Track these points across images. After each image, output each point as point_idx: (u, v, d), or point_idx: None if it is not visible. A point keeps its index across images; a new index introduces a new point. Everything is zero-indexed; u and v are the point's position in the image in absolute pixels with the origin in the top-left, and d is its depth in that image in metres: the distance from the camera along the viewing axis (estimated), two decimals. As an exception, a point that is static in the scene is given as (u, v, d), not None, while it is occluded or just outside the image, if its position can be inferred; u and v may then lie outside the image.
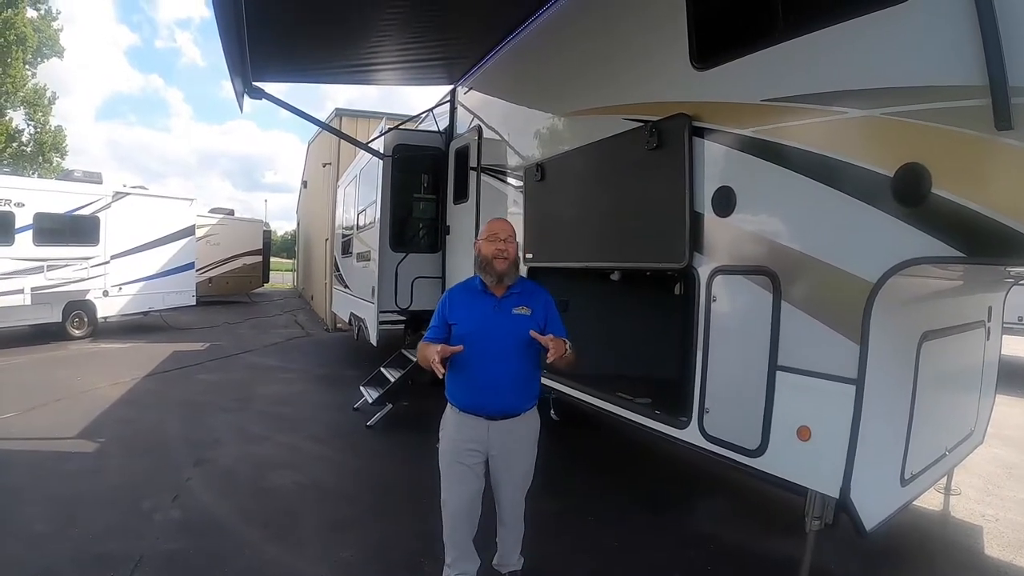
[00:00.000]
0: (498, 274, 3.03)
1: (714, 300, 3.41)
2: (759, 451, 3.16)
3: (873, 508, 2.93)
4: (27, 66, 25.94)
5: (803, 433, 2.95)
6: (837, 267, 2.79)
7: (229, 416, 7.28)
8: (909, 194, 2.49)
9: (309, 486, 5.08)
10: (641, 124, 3.90)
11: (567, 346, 2.94)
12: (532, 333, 2.91)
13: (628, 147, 4.03)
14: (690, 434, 3.59)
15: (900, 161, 2.52)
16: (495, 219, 3.32)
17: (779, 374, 3.05)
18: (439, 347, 2.84)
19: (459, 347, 2.89)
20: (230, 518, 4.42)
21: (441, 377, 2.88)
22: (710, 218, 3.44)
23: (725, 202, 3.33)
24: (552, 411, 5.49)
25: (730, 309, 3.38)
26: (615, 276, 5.19)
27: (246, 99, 6.59)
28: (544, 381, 5.04)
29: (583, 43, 4.79)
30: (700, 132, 3.49)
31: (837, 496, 2.83)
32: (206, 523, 4.33)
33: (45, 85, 27.50)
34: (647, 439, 4.14)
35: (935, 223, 2.42)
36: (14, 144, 26.15)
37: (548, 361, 2.88)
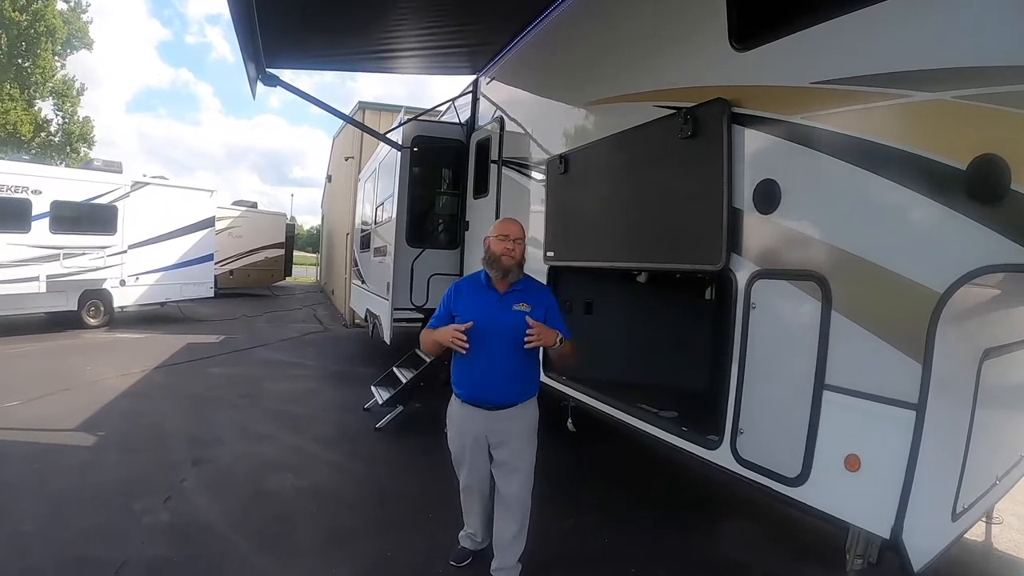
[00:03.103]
0: (503, 269, 3.19)
1: (753, 307, 3.05)
2: (799, 480, 2.81)
3: (923, 547, 2.57)
4: (56, 57, 26.36)
5: (851, 463, 2.61)
6: (898, 274, 2.44)
7: (235, 413, 7.04)
8: (984, 190, 2.17)
9: (309, 492, 4.78)
10: (674, 111, 3.56)
11: (557, 338, 3.11)
12: (528, 319, 3.07)
13: (659, 136, 3.68)
14: (721, 456, 3.24)
15: (974, 152, 2.20)
16: (507, 219, 3.47)
17: (826, 394, 2.70)
18: (451, 326, 3.09)
19: (470, 323, 3.06)
20: (221, 524, 4.15)
21: (465, 351, 3.06)
22: (751, 215, 3.08)
23: (768, 197, 2.97)
24: (569, 420, 5.17)
25: (772, 318, 3.01)
26: (642, 278, 4.87)
27: (259, 86, 6.35)
28: (561, 388, 4.77)
29: (611, 27, 4.45)
30: (740, 119, 3.14)
31: (888, 536, 2.49)
32: (196, 528, 4.08)
33: (74, 76, 27.95)
34: (671, 454, 3.80)
35: (1014, 224, 2.09)
36: (42, 134, 26.50)
37: (527, 343, 3.03)
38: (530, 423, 3.34)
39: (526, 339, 3.01)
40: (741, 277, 3.12)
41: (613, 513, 4.68)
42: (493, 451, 3.30)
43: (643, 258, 4.05)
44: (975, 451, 2.90)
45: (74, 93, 27.69)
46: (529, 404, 3.33)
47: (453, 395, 3.37)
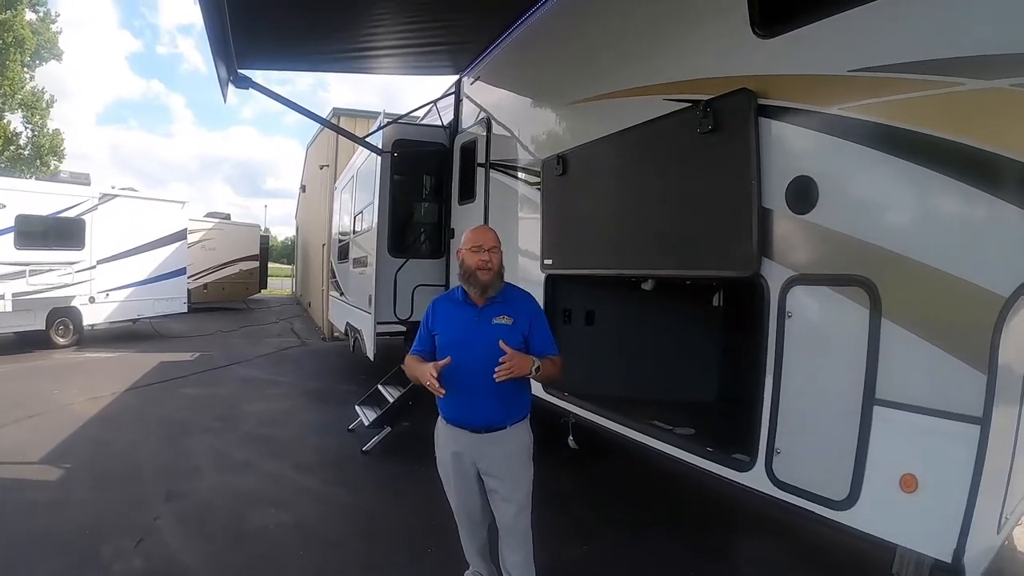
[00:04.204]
0: (482, 285, 2.94)
1: (789, 316, 2.77)
2: (847, 503, 2.56)
3: (976, 564, 2.35)
4: (25, 68, 25.70)
5: (907, 483, 2.37)
6: (957, 276, 2.21)
7: (210, 438, 6.62)
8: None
9: (293, 528, 4.40)
10: (689, 104, 3.28)
11: (533, 367, 2.82)
12: (501, 344, 2.79)
13: (673, 131, 3.40)
14: (754, 478, 2.96)
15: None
16: (479, 227, 3.24)
17: (877, 409, 2.45)
18: (430, 365, 2.81)
19: (448, 359, 2.82)
20: (199, 569, 3.78)
21: (442, 396, 2.85)
22: (783, 216, 2.81)
23: (803, 196, 2.71)
24: (570, 437, 4.87)
25: (812, 328, 2.74)
26: (647, 285, 4.58)
27: (231, 88, 6.00)
28: (561, 404, 4.47)
29: (613, 17, 4.17)
30: (767, 111, 2.88)
31: (950, 560, 2.26)
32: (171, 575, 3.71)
33: (43, 88, 27.28)
34: (685, 471, 3.51)
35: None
36: (11, 147, 25.85)
37: (496, 375, 2.73)
38: (522, 448, 3.05)
39: (496, 373, 2.73)
40: (774, 283, 2.85)
41: (625, 535, 4.41)
42: (484, 478, 3.04)
43: (656, 264, 3.74)
44: (1018, 458, 2.66)
45: (43, 105, 27.00)
46: (520, 427, 3.04)
47: (439, 417, 3.12)
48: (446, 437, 3.07)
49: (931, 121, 2.28)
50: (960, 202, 2.23)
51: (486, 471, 3.00)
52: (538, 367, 2.83)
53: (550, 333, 3.08)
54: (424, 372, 2.80)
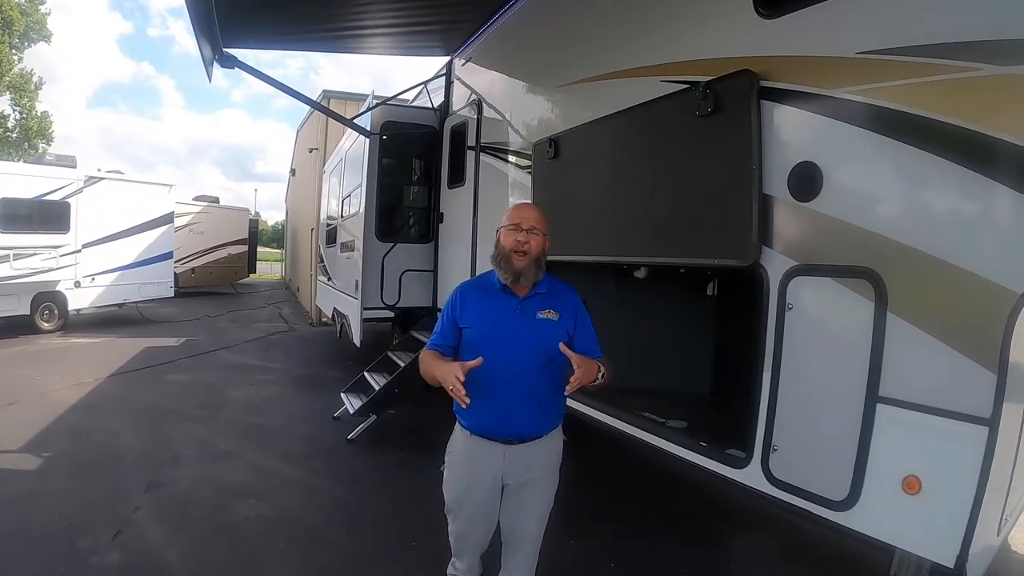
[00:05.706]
0: (515, 272, 2.48)
1: (790, 308, 2.67)
2: (847, 503, 2.47)
3: (976, 568, 2.27)
4: (13, 51, 25.49)
5: (910, 485, 2.28)
6: (968, 271, 2.12)
7: (194, 426, 6.49)
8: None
9: (277, 522, 4.28)
10: (687, 86, 3.16)
11: (600, 372, 2.40)
12: (562, 347, 2.34)
13: (671, 113, 3.28)
14: (749, 476, 2.87)
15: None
16: (523, 204, 2.89)
17: (880, 408, 2.35)
18: (456, 365, 2.30)
19: (479, 360, 2.30)
20: (178, 565, 3.66)
21: (465, 407, 2.31)
22: (785, 203, 2.70)
23: (807, 182, 2.59)
24: (559, 428, 4.77)
25: (813, 320, 2.64)
26: (640, 273, 4.46)
27: (216, 67, 5.83)
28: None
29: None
30: (770, 94, 2.76)
31: (952, 565, 2.18)
32: (149, 571, 3.58)
33: (32, 70, 27.10)
34: (680, 466, 3.41)
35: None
36: (-1, 130, 25.59)
37: (569, 389, 2.30)
38: (555, 457, 2.66)
39: (568, 389, 2.30)
40: (774, 274, 2.74)
41: (623, 533, 4.33)
42: (508, 494, 2.59)
43: (651, 252, 3.61)
44: (1021, 458, 2.57)
45: (32, 87, 26.83)
46: (555, 433, 2.64)
47: (457, 427, 2.64)
48: (471, 456, 2.58)
49: (945, 108, 2.17)
50: (973, 193, 2.13)
51: (515, 485, 2.57)
52: (603, 374, 2.44)
53: (595, 332, 2.66)
54: (447, 373, 2.30)
